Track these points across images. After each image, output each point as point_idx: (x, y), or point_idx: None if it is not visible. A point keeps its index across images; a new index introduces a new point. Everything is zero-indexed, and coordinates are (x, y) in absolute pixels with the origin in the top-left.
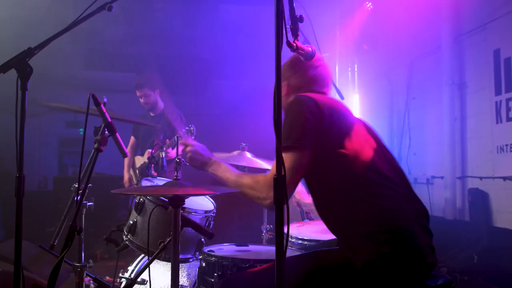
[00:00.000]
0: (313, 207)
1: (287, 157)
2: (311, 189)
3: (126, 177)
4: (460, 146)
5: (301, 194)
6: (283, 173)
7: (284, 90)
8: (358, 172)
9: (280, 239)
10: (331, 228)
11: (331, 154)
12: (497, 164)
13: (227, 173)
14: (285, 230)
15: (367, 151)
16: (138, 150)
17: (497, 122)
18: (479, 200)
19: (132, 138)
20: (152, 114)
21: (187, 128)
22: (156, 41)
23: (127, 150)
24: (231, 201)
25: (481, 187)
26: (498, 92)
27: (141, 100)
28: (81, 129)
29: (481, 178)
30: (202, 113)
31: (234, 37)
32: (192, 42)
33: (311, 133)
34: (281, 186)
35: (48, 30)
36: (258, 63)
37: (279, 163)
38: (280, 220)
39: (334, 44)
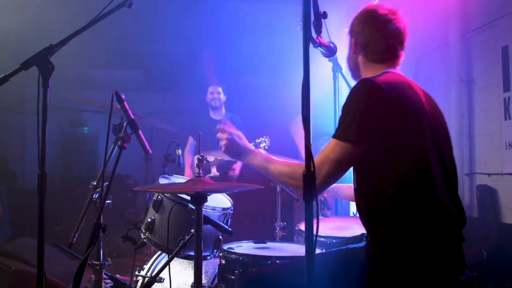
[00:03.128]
0: (338, 191)
1: (337, 147)
2: (361, 175)
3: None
4: (468, 142)
5: None
6: (312, 170)
7: (352, 49)
8: (419, 170)
9: (310, 235)
10: (367, 219)
11: (394, 146)
12: (505, 160)
13: (264, 163)
14: (301, 227)
15: (435, 152)
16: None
17: (505, 119)
18: (487, 197)
19: (190, 139)
20: (214, 117)
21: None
22: (161, 39)
23: (186, 150)
24: (242, 199)
25: (489, 183)
26: (506, 88)
27: (210, 96)
28: (85, 128)
29: (489, 174)
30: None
31: (241, 34)
32: (197, 40)
33: (369, 125)
34: (311, 182)
35: (67, 27)
36: (266, 60)
37: (308, 159)
38: (310, 216)
39: (341, 41)
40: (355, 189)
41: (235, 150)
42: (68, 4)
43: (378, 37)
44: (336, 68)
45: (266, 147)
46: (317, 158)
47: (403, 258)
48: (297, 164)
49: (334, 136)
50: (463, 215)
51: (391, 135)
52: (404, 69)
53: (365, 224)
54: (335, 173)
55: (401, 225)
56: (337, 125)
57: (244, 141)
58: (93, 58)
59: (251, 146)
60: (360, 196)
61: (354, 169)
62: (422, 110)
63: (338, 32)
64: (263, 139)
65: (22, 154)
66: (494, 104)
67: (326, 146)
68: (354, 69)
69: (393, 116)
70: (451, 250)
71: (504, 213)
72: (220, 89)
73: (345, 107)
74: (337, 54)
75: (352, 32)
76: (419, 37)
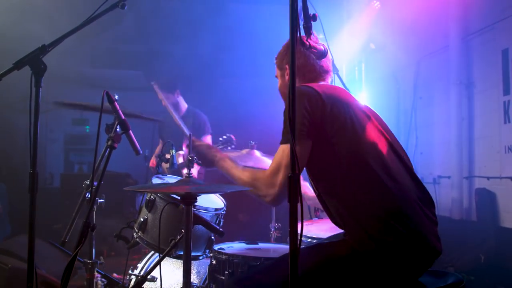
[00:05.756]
0: (317, 201)
1: (286, 151)
2: (314, 180)
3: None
4: (468, 146)
5: (305, 188)
6: (297, 171)
7: (287, 75)
8: (363, 158)
9: (294, 237)
10: (336, 218)
11: (336, 141)
12: (504, 164)
13: (232, 170)
14: (299, 228)
15: (372, 138)
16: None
17: (505, 122)
18: (486, 200)
19: (161, 142)
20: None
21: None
22: (162, 39)
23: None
24: (238, 199)
25: (488, 187)
26: (506, 92)
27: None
28: (87, 127)
29: (488, 178)
30: (209, 112)
31: (241, 35)
32: (199, 40)
33: (310, 123)
34: (295, 185)
35: (60, 27)
36: (265, 61)
37: (294, 160)
38: (294, 219)
39: (341, 43)
40: (317, 195)
41: (205, 160)
42: (66, 4)
43: (311, 58)
44: (333, 70)
45: (233, 146)
46: (270, 167)
47: (377, 249)
48: (260, 172)
49: (281, 143)
50: (427, 194)
51: (332, 131)
52: (404, 72)
53: (340, 225)
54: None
55: (365, 217)
56: (282, 133)
57: (212, 150)
58: (94, 57)
59: (219, 153)
60: (325, 200)
61: (309, 177)
62: (356, 105)
63: (337, 33)
64: (227, 137)
65: (24, 152)
66: (493, 107)
67: (276, 155)
68: None
69: (330, 113)
70: (417, 236)
71: (503, 217)
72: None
73: (286, 114)
74: (334, 55)
75: (284, 61)
76: (419, 39)
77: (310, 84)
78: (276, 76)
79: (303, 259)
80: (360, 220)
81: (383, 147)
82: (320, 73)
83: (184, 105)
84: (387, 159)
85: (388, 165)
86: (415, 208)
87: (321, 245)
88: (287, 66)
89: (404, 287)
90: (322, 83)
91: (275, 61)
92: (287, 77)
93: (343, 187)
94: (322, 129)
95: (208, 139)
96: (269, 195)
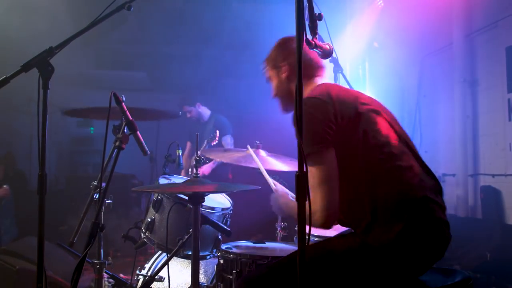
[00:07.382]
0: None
1: (311, 170)
2: None
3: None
4: (472, 143)
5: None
6: (305, 170)
7: (284, 73)
8: (375, 150)
9: (302, 236)
10: (345, 214)
11: (350, 141)
12: (509, 161)
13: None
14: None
15: (382, 130)
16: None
17: (509, 120)
18: (491, 198)
19: (189, 144)
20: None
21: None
22: (167, 40)
23: (185, 154)
24: (244, 199)
25: (493, 184)
26: (510, 89)
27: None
28: (92, 128)
29: (493, 175)
30: (216, 112)
31: (246, 35)
32: (204, 41)
33: (325, 133)
34: (303, 184)
35: (65, 29)
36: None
37: (301, 159)
38: (302, 218)
39: (345, 42)
40: None
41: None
42: (70, 6)
43: (306, 56)
44: (337, 69)
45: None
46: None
47: (387, 243)
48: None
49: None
50: (437, 181)
51: (346, 134)
52: (408, 70)
53: (347, 225)
54: (331, 191)
55: (377, 212)
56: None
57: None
58: (98, 59)
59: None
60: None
61: None
62: (360, 100)
63: (341, 32)
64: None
65: (29, 154)
66: (498, 104)
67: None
68: (288, 97)
69: (340, 118)
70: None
71: (508, 214)
72: (186, 108)
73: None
74: (338, 54)
75: (279, 59)
76: (423, 37)
77: (313, 94)
78: (268, 79)
79: (312, 253)
80: (372, 212)
81: (393, 139)
82: (316, 71)
83: (206, 113)
84: (398, 150)
85: (399, 156)
86: (429, 196)
87: (330, 239)
88: (282, 64)
89: (417, 276)
90: (319, 79)
91: (264, 65)
92: (283, 75)
93: (355, 183)
94: (337, 137)
95: (228, 139)
96: (316, 221)
